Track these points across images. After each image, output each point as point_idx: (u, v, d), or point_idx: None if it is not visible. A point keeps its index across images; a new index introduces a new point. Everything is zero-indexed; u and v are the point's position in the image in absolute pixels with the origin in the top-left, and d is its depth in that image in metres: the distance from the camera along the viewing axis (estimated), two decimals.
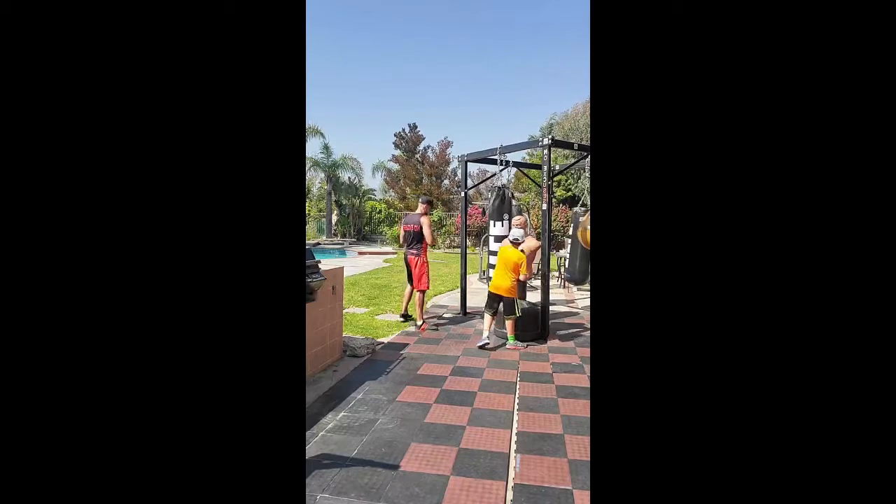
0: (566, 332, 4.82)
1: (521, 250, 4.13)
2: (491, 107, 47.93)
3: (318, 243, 17.05)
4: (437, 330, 4.84)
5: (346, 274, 5.75)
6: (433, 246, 4.89)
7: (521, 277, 4.10)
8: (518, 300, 4.18)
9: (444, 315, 5.52)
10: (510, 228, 4.88)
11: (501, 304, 4.16)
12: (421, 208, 4.90)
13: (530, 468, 2.13)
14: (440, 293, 7.08)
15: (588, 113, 15.36)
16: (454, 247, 15.59)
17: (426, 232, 4.73)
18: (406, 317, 5.11)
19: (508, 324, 4.17)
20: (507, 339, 4.21)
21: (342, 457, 2.19)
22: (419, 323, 4.83)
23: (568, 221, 12.63)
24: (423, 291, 4.86)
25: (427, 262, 4.86)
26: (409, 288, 5.06)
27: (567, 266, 7.70)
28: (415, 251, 4.81)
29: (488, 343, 4.09)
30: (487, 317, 4.21)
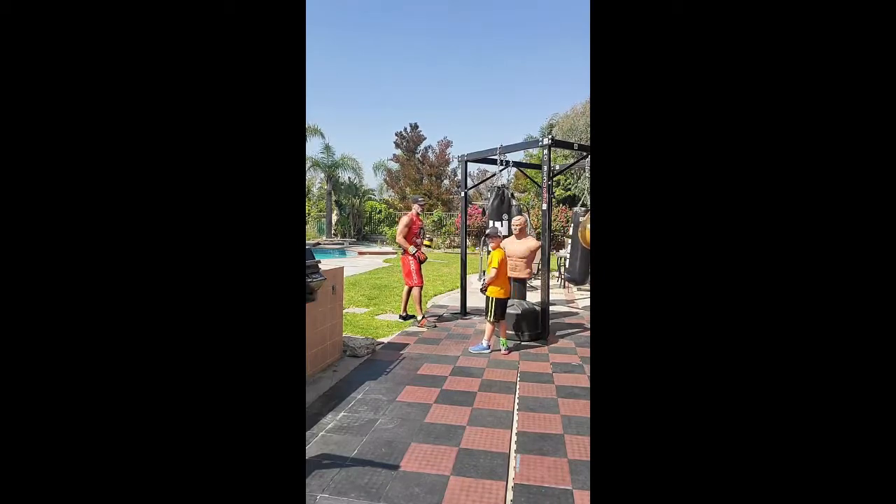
0: (566, 332, 4.82)
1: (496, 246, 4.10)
2: (491, 107, 47.95)
3: (318, 243, 17.05)
4: (436, 327, 4.86)
5: (346, 274, 5.76)
6: (413, 246, 5.04)
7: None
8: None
9: (445, 315, 5.52)
10: (510, 228, 4.90)
11: (502, 304, 4.07)
12: (412, 211, 5.21)
13: (530, 468, 2.13)
14: (440, 293, 7.08)
15: (588, 113, 15.35)
16: (454, 247, 15.59)
17: (399, 228, 5.01)
18: (405, 317, 5.17)
19: (503, 325, 4.12)
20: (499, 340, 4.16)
21: (342, 457, 2.19)
22: (419, 318, 4.94)
23: (568, 221, 12.63)
24: (417, 287, 4.98)
25: (412, 259, 4.99)
26: (405, 288, 5.21)
27: (567, 266, 7.72)
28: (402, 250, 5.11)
29: (489, 348, 4.06)
30: (490, 326, 4.07)
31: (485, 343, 4.07)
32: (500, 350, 4.06)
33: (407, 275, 5.00)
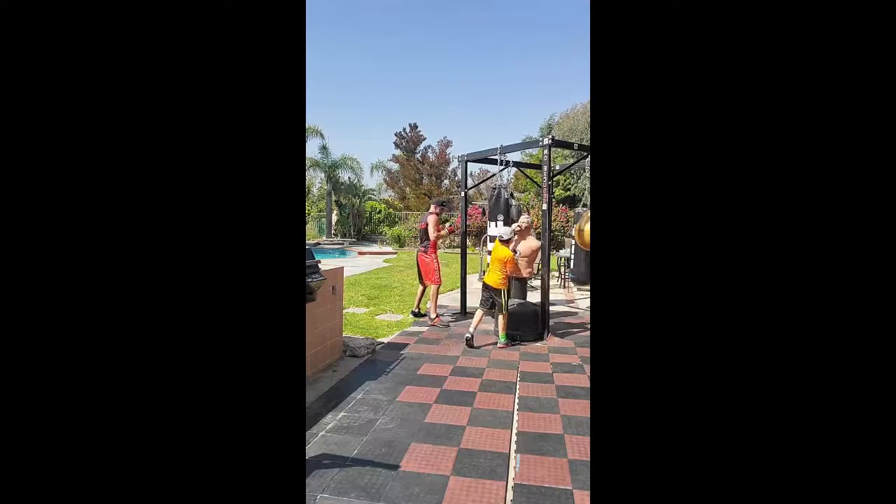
0: (566, 332, 4.82)
1: (512, 249, 4.24)
2: (491, 107, 47.93)
3: (318, 243, 17.04)
4: (448, 327, 4.87)
5: (346, 274, 5.76)
6: (438, 242, 5.11)
7: (508, 271, 4.22)
8: (504, 292, 4.20)
9: (444, 315, 5.51)
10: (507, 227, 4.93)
11: (493, 297, 4.21)
12: (431, 208, 5.23)
13: (530, 468, 2.13)
14: (440, 293, 7.08)
15: (588, 113, 15.35)
16: (454, 246, 15.59)
17: (430, 230, 5.00)
18: (417, 314, 5.24)
19: (500, 321, 4.21)
20: (498, 336, 4.23)
21: (342, 457, 2.18)
22: (433, 316, 4.96)
23: (568, 221, 12.63)
24: (436, 286, 5.04)
25: (436, 259, 5.07)
26: (421, 287, 5.27)
27: (572, 267, 7.74)
28: (423, 248, 5.11)
29: (471, 338, 4.12)
30: (479, 312, 4.26)
31: (471, 329, 4.18)
32: (498, 344, 4.16)
33: (429, 273, 5.02)
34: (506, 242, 4.21)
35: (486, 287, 4.25)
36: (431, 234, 5.02)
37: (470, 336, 4.13)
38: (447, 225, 5.40)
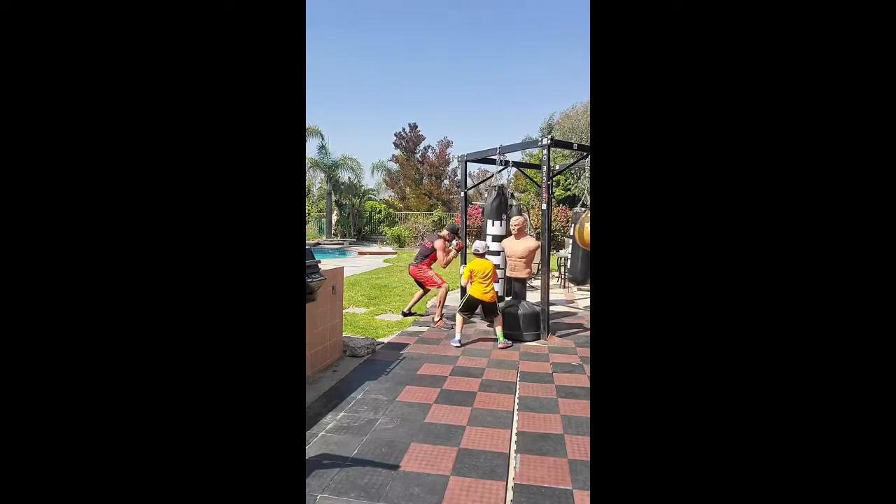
0: (566, 332, 4.82)
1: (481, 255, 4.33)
2: (491, 107, 47.87)
3: (318, 243, 17.04)
4: (451, 329, 4.86)
5: (346, 274, 5.77)
6: (443, 266, 5.36)
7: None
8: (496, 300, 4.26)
9: (445, 316, 5.51)
10: (506, 228, 4.95)
11: (482, 307, 4.27)
12: (444, 233, 5.37)
13: (530, 468, 2.13)
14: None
15: (588, 113, 15.35)
16: None
17: (439, 255, 5.18)
18: (407, 314, 5.31)
19: (497, 327, 4.25)
20: (497, 337, 4.26)
21: (342, 457, 2.19)
22: (436, 319, 5.01)
23: (568, 221, 12.63)
24: (445, 288, 5.14)
25: (429, 268, 5.24)
26: (419, 292, 5.43)
27: (569, 266, 7.75)
28: (414, 263, 5.28)
29: (460, 343, 4.16)
30: (460, 318, 4.28)
31: (457, 336, 4.23)
32: (498, 344, 4.18)
33: (430, 281, 5.15)
34: (482, 255, 4.27)
35: (475, 301, 4.25)
36: (440, 258, 5.15)
37: (458, 343, 4.16)
38: (454, 243, 5.45)
